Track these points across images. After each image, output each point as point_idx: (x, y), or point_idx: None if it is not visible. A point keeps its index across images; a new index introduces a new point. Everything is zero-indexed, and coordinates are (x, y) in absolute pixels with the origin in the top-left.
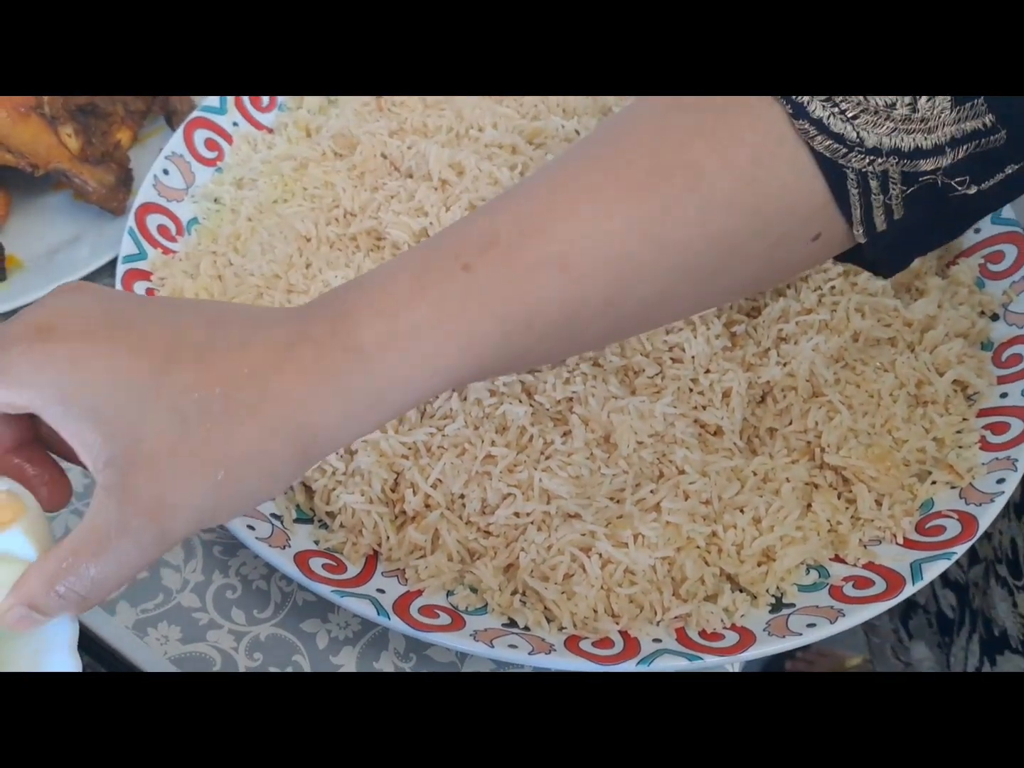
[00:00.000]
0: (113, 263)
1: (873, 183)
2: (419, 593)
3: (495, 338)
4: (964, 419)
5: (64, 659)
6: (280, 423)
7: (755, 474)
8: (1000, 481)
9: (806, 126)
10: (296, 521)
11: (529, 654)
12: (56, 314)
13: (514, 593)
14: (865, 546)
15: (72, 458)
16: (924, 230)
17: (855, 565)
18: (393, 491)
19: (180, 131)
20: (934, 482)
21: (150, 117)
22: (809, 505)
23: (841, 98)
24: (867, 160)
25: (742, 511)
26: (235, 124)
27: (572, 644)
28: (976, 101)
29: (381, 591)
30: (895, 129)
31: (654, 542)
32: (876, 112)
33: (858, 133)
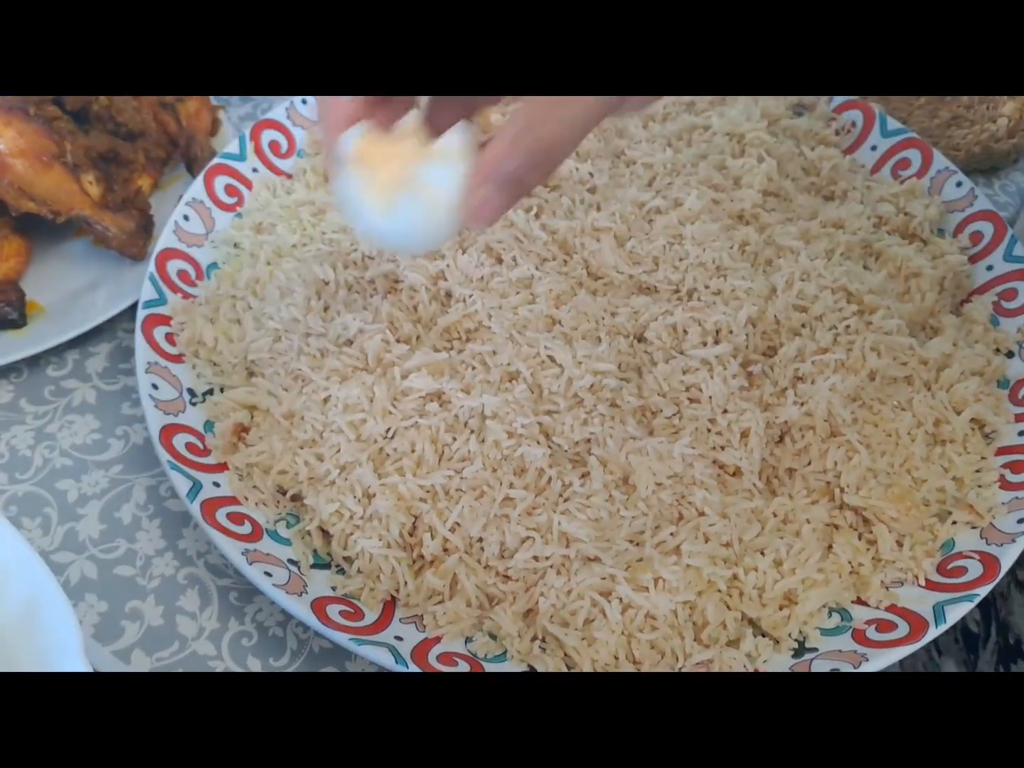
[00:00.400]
0: (133, 308)
1: None
2: (437, 640)
3: None
4: (983, 458)
5: (75, 663)
6: None
7: (775, 515)
8: (1021, 521)
9: None
10: (313, 567)
11: None
12: None
13: (534, 639)
14: (887, 588)
15: None
16: None
17: (877, 607)
18: (411, 535)
19: (200, 177)
20: (955, 522)
21: (171, 164)
22: (830, 546)
23: None
24: None
25: (763, 553)
26: (254, 170)
27: None
28: None
29: (399, 638)
30: None
31: (675, 586)
32: None
33: None
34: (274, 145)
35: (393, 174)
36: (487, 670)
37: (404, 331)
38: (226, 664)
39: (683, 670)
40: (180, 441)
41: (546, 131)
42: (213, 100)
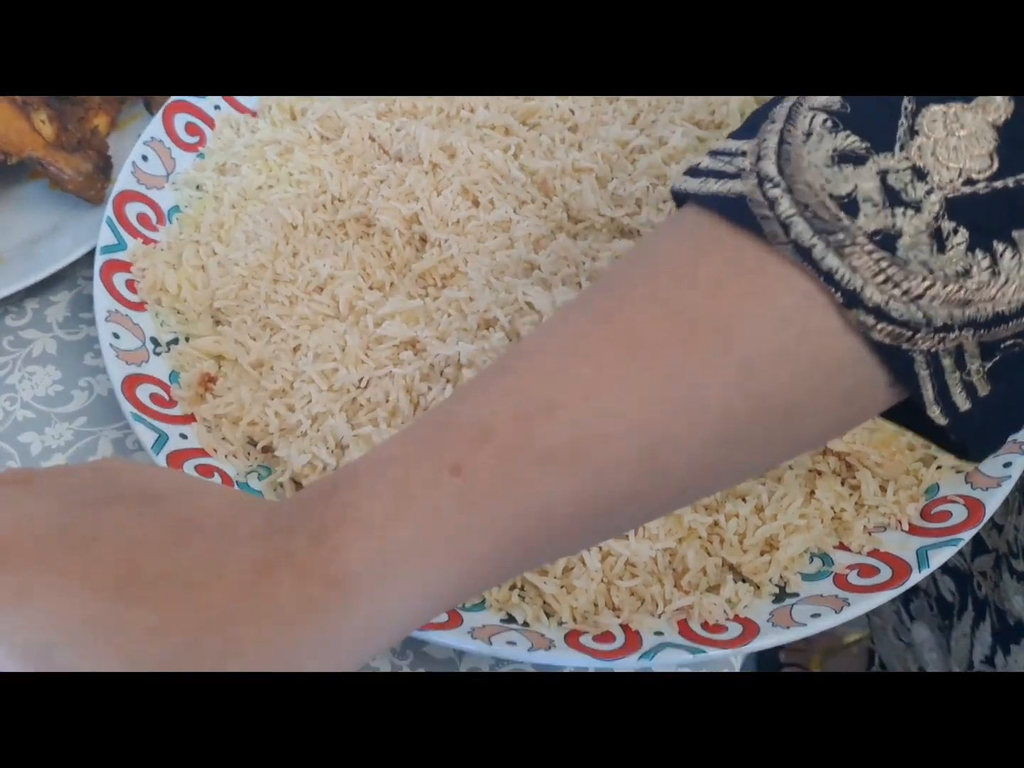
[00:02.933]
0: (93, 254)
1: (946, 361)
2: None
3: (493, 557)
4: None
5: None
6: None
7: None
8: (1007, 465)
9: (863, 317)
10: None
11: (528, 650)
12: (12, 529)
13: (512, 588)
14: (870, 533)
15: None
16: (1018, 404)
17: (860, 553)
18: None
19: (159, 116)
20: (939, 467)
21: (129, 102)
22: (812, 492)
23: (901, 274)
24: (937, 339)
25: (744, 500)
26: (217, 107)
27: (572, 639)
28: None
29: None
30: (969, 301)
31: (655, 533)
32: (946, 283)
33: (925, 313)
34: None
35: None
36: (465, 620)
37: (377, 277)
38: None
39: (663, 616)
40: (144, 392)
41: None
42: None
